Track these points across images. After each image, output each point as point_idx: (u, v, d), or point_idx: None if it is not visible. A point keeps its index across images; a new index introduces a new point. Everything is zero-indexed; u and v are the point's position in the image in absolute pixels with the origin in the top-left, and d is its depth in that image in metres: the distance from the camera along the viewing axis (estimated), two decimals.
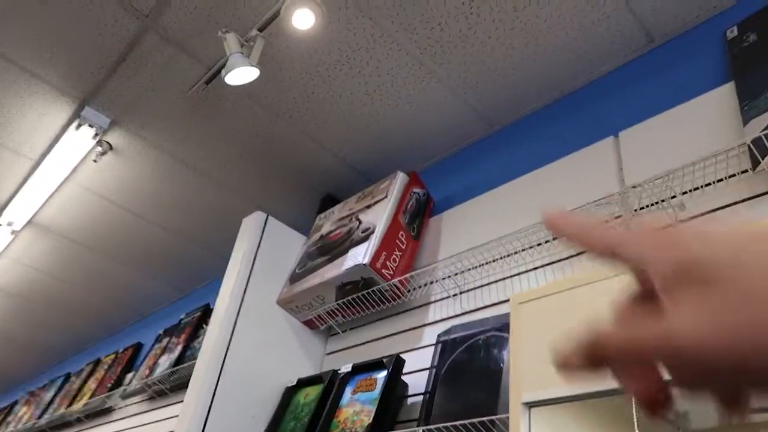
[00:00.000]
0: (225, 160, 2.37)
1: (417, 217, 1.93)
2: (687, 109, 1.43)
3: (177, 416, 2.61)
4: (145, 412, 3.00)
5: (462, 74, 1.84)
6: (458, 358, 1.44)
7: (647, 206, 1.35)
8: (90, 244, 3.12)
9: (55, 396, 4.14)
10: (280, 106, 2.06)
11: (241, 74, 1.68)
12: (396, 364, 1.58)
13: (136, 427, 3.00)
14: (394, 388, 1.56)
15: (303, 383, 1.85)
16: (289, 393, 1.85)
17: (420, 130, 2.08)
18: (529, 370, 0.85)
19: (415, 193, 1.95)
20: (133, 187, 2.61)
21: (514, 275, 1.59)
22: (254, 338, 1.89)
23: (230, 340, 1.83)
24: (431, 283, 1.78)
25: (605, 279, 0.84)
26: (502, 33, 1.69)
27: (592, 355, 0.30)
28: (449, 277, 1.70)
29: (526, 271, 1.57)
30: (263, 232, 2.06)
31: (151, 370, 2.96)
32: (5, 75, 2.10)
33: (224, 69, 1.67)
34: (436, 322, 1.72)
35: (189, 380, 2.59)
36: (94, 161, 2.33)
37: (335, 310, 1.91)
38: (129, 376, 3.40)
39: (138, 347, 3.59)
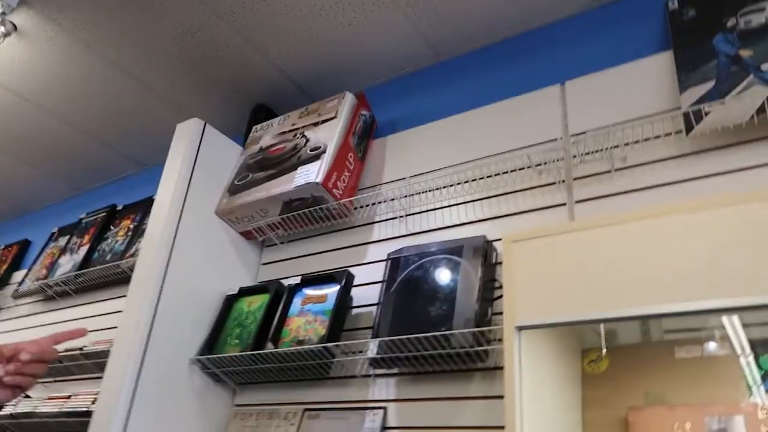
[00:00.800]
0: (149, 57, 2.21)
1: (364, 138, 2.00)
2: (630, 69, 1.60)
3: (85, 318, 2.57)
4: (40, 312, 2.88)
5: (421, 3, 1.87)
6: (411, 275, 1.58)
7: (589, 153, 1.54)
8: None
9: None
10: (225, 6, 1.95)
11: None
12: (348, 279, 1.69)
13: (30, 328, 2.89)
14: (346, 301, 1.68)
15: (244, 292, 1.92)
16: (230, 301, 1.91)
17: (367, 50, 2.09)
18: (521, 300, 1.01)
19: (362, 114, 2.00)
20: (36, 75, 2.36)
21: (454, 205, 1.74)
22: (194, 248, 1.90)
23: (171, 249, 1.82)
24: (377, 203, 1.88)
25: (589, 228, 1.00)
26: None
27: None
28: (396, 199, 1.81)
29: (464, 203, 1.73)
30: (201, 140, 2.01)
31: (49, 270, 2.82)
32: None
33: None
34: (381, 240, 1.84)
35: (98, 283, 2.56)
36: None
37: (277, 224, 1.96)
38: (18, 274, 3.21)
39: (25, 244, 3.35)
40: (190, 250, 1.87)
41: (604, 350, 1.07)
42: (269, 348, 1.65)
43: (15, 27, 2.10)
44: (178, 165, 1.94)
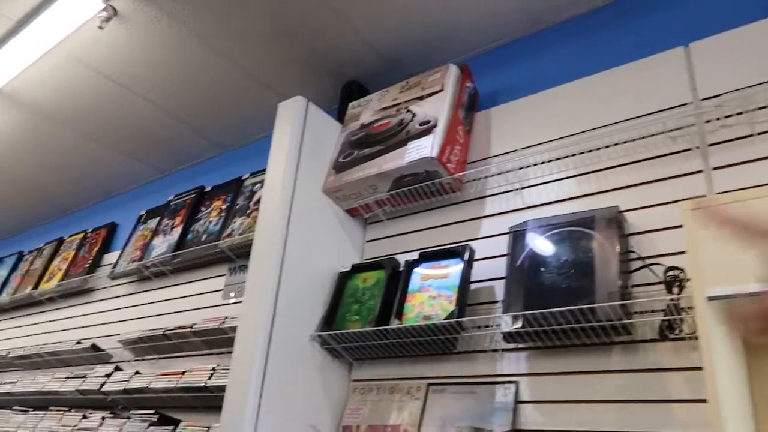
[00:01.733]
0: (243, 36, 2.22)
1: (469, 111, 1.96)
2: (759, 29, 1.52)
3: (183, 297, 2.65)
4: (135, 293, 2.98)
5: None
6: (539, 249, 1.56)
7: (725, 117, 1.47)
8: (62, 118, 2.87)
9: (10, 274, 3.96)
10: None
11: None
12: (471, 254, 1.68)
13: (126, 307, 2.99)
14: (469, 276, 1.68)
15: (357, 269, 1.93)
16: (344, 278, 1.93)
17: (464, 22, 2.04)
18: (710, 271, 0.98)
19: (467, 86, 1.96)
20: (132, 59, 2.39)
21: (573, 176, 1.70)
22: (307, 226, 1.91)
23: (287, 228, 1.84)
24: (488, 177, 1.85)
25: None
26: None
27: None
28: (511, 171, 1.78)
29: (582, 174, 1.69)
30: (306, 118, 2.01)
31: (144, 251, 2.90)
32: None
33: None
34: (495, 215, 1.82)
35: (193, 263, 2.62)
36: (100, 28, 2.09)
37: (384, 200, 1.95)
38: (108, 256, 3.32)
39: (113, 227, 3.46)
40: (303, 229, 1.89)
41: None
42: (395, 323, 1.66)
43: (115, 11, 2.12)
44: (286, 145, 1.94)
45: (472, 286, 1.74)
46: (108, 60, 2.39)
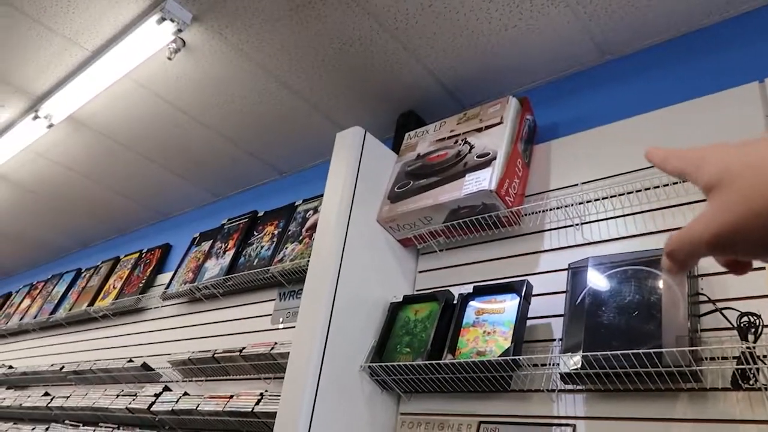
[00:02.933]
0: (305, 67, 2.27)
1: (528, 144, 1.94)
2: None
3: (233, 320, 2.67)
4: (186, 314, 3.03)
5: (594, 0, 1.79)
6: (600, 287, 1.51)
7: None
8: (126, 141, 2.99)
9: (67, 291, 4.10)
10: (389, 15, 1.96)
11: None
12: (528, 289, 1.64)
13: (176, 328, 3.04)
14: (526, 312, 1.63)
15: (409, 300, 1.91)
16: (395, 309, 1.91)
17: (528, 54, 2.03)
18: None
19: (527, 119, 1.95)
20: (196, 88, 2.48)
21: (637, 213, 1.65)
22: (361, 256, 1.91)
23: (342, 257, 1.84)
24: (547, 211, 1.82)
25: None
26: None
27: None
28: (571, 206, 1.74)
29: (651, 210, 1.63)
30: (363, 148, 2.02)
31: (196, 273, 2.96)
32: None
33: None
34: (553, 250, 1.78)
35: (244, 286, 2.65)
36: (169, 58, 2.18)
37: (439, 231, 1.94)
38: (161, 276, 3.40)
39: (167, 248, 3.55)
40: (357, 258, 1.89)
41: None
42: (448, 358, 1.63)
43: (184, 43, 2.21)
44: (343, 173, 1.96)
45: (529, 323, 1.69)
46: (173, 88, 2.49)
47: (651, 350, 1.30)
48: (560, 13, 1.85)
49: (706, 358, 1.34)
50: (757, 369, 1.23)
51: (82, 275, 4.12)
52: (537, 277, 1.76)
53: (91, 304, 3.62)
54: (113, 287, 3.61)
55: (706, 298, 1.41)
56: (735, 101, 1.60)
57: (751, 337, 1.25)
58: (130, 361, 2.92)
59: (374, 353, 1.82)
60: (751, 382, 1.25)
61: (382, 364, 1.76)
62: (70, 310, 3.79)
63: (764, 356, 1.24)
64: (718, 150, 0.41)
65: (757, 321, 1.25)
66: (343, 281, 1.82)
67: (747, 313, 1.28)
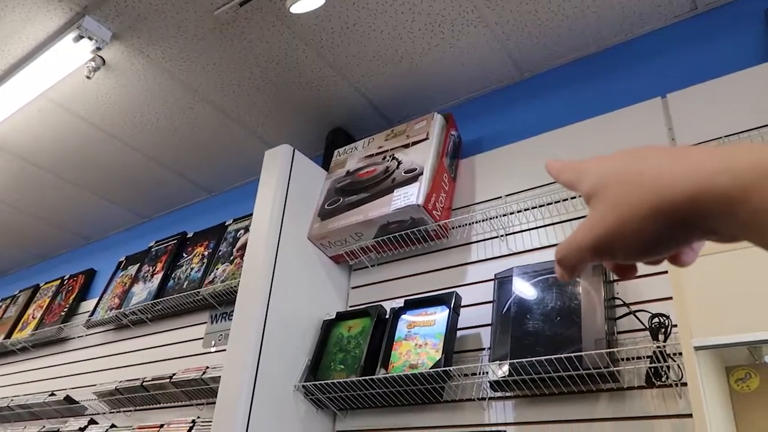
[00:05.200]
0: (231, 85, 2.25)
1: (454, 158, 2.00)
2: (736, 80, 1.59)
3: (162, 345, 2.58)
4: (113, 342, 2.90)
5: (511, 21, 1.88)
6: (525, 295, 1.56)
7: None
8: (44, 163, 2.85)
9: None
10: (314, 34, 1.97)
11: (307, 3, 1.59)
12: (457, 301, 1.68)
13: (102, 357, 2.91)
14: (455, 323, 1.67)
15: (342, 316, 1.91)
16: (328, 326, 1.90)
17: (451, 72, 2.10)
18: (696, 319, 0.99)
19: (452, 134, 2.00)
20: (117, 108, 2.40)
21: (557, 223, 1.73)
22: (292, 274, 1.90)
23: (273, 276, 1.83)
24: (473, 223, 1.87)
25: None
26: None
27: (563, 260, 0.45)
28: (495, 218, 1.80)
29: (567, 221, 1.71)
30: (292, 166, 2.02)
31: (122, 299, 2.84)
32: None
33: None
34: (480, 261, 1.83)
35: (174, 310, 2.57)
36: (88, 77, 2.10)
37: (370, 247, 1.96)
38: (85, 304, 3.24)
39: (91, 274, 3.40)
40: (289, 277, 1.88)
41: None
42: (381, 373, 1.64)
43: (104, 61, 2.14)
44: (272, 192, 1.95)
45: (459, 333, 1.73)
46: (93, 107, 2.40)
47: (572, 354, 1.36)
48: (480, 33, 1.93)
49: (623, 359, 1.41)
50: (668, 366, 1.31)
51: None
52: (466, 288, 1.81)
53: (8, 336, 3.40)
54: (32, 317, 3.42)
55: (621, 302, 1.49)
56: (640, 115, 1.71)
57: (661, 337, 1.33)
58: (52, 394, 2.76)
59: (308, 372, 1.81)
60: (663, 379, 1.33)
61: (317, 382, 1.75)
62: None
63: (674, 354, 1.32)
64: (597, 161, 0.43)
65: (666, 321, 1.34)
66: (274, 300, 1.80)
67: (657, 314, 1.36)
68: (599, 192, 0.41)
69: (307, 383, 1.77)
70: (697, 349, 0.95)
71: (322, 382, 1.74)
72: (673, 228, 0.37)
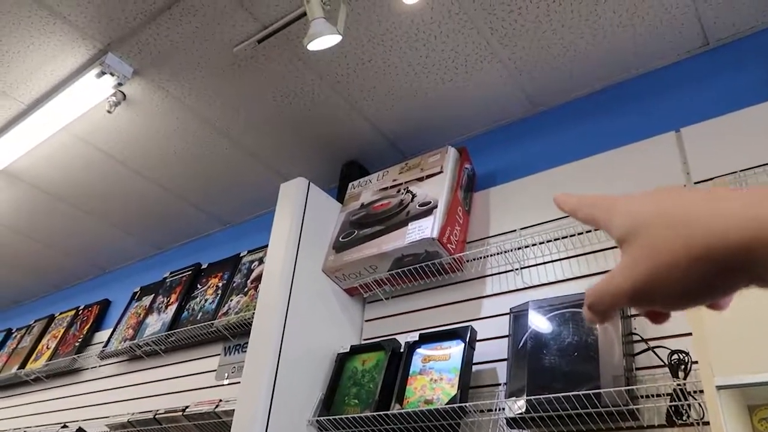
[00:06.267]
0: (248, 119, 2.29)
1: (468, 192, 2.01)
2: (747, 115, 1.59)
3: (176, 377, 2.58)
4: (126, 373, 2.90)
5: (523, 56, 1.90)
6: (541, 330, 1.55)
7: None
8: (64, 194, 2.90)
9: None
10: (329, 70, 2.01)
11: (324, 41, 1.63)
12: (472, 335, 1.67)
13: (115, 388, 2.90)
14: (471, 358, 1.65)
15: (356, 350, 1.90)
16: (342, 359, 1.89)
17: (465, 105, 2.12)
18: (717, 356, 0.97)
19: (466, 168, 2.02)
20: (138, 140, 2.45)
21: (573, 257, 1.72)
22: (307, 307, 1.90)
23: (287, 309, 1.83)
24: (488, 257, 1.87)
25: None
26: (576, 22, 1.77)
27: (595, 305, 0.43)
28: (510, 251, 1.79)
29: (582, 254, 1.71)
30: (307, 199, 2.04)
31: (136, 330, 2.85)
32: (19, 9, 1.88)
33: (307, 36, 1.61)
34: (495, 294, 1.82)
35: (188, 342, 2.57)
36: (109, 111, 2.15)
37: (384, 279, 1.95)
38: (100, 334, 3.25)
39: (106, 304, 3.41)
40: (303, 309, 1.87)
41: None
42: (396, 409, 1.62)
43: (125, 96, 2.19)
44: (288, 224, 1.96)
45: (475, 368, 1.71)
46: (113, 141, 2.45)
47: (590, 391, 1.34)
48: (493, 68, 1.95)
49: (642, 396, 1.38)
50: (689, 405, 1.29)
51: (13, 336, 3.89)
52: (481, 322, 1.80)
53: (22, 366, 3.41)
54: (47, 347, 3.43)
55: (639, 338, 1.47)
56: (655, 149, 1.71)
57: (681, 374, 1.31)
58: (65, 426, 2.76)
59: (322, 406, 1.79)
60: (684, 418, 1.30)
61: (330, 417, 1.73)
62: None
63: (695, 392, 1.30)
64: (628, 201, 0.41)
65: (686, 358, 1.31)
66: (289, 333, 1.80)
67: (676, 351, 1.34)
68: (637, 235, 0.39)
69: (321, 417, 1.75)
70: (720, 388, 0.94)
71: (335, 417, 1.72)
72: (720, 275, 0.35)
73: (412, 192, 1.98)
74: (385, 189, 2.09)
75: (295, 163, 2.52)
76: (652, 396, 1.38)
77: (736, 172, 1.52)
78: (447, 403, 1.55)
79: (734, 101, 1.66)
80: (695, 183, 1.59)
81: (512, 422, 1.48)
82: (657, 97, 1.86)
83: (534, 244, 1.78)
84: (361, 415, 1.67)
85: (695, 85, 1.79)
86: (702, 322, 1.01)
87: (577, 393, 1.34)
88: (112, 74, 2.03)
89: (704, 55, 1.82)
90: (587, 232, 1.70)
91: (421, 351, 1.75)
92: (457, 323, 1.82)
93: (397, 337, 1.89)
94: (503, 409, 1.52)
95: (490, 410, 1.59)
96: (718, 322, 1.00)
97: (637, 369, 1.44)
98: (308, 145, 2.41)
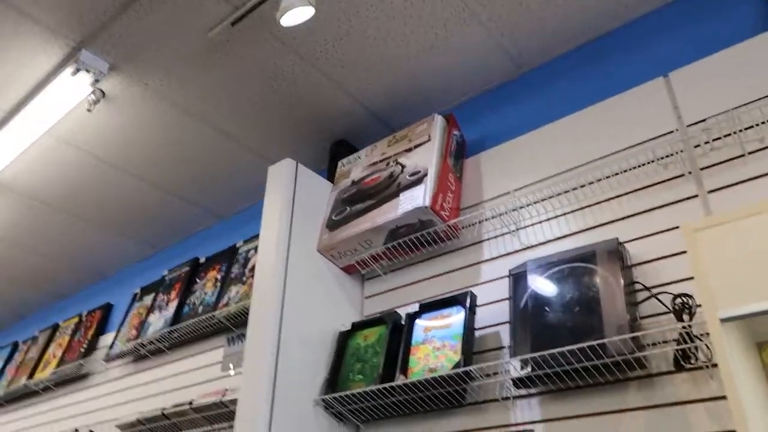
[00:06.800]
0: (231, 106, 2.26)
1: (459, 158, 1.97)
2: (736, 52, 1.56)
3: (182, 373, 2.56)
4: (133, 373, 2.89)
5: (504, 16, 1.86)
6: (541, 289, 1.52)
7: (713, 141, 1.48)
8: (55, 202, 2.87)
9: (4, 366, 3.85)
10: (308, 49, 1.98)
11: (297, 14, 1.59)
12: (472, 300, 1.64)
13: (124, 390, 2.89)
14: (473, 323, 1.63)
15: (358, 326, 1.88)
16: (344, 337, 1.87)
17: (449, 72, 2.09)
18: (718, 290, 0.95)
19: (454, 135, 1.98)
20: (120, 139, 2.42)
21: (569, 212, 1.69)
22: (304, 288, 1.88)
23: (284, 292, 1.80)
24: (484, 221, 1.84)
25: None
26: None
27: None
28: (505, 213, 1.76)
29: (578, 209, 1.68)
30: (296, 180, 2.01)
31: (139, 330, 2.83)
32: None
33: (279, 9, 1.58)
34: (494, 258, 1.79)
35: (192, 336, 2.55)
36: (89, 110, 2.12)
37: (381, 254, 1.93)
38: (104, 338, 3.24)
39: (108, 308, 3.40)
40: (300, 292, 1.85)
41: None
42: (401, 380, 1.60)
43: (103, 94, 2.16)
44: (278, 207, 1.93)
45: (477, 333, 1.69)
46: (96, 140, 2.42)
47: (594, 342, 1.31)
48: (474, 31, 1.91)
49: (648, 344, 1.36)
50: (696, 347, 1.26)
51: (20, 348, 3.88)
52: (481, 287, 1.77)
53: (31, 377, 3.40)
54: (53, 356, 3.42)
55: (642, 286, 1.44)
56: (645, 97, 1.68)
57: (686, 317, 1.28)
58: (76, 431, 2.75)
59: (327, 385, 1.78)
60: (692, 361, 1.28)
61: (336, 395, 1.72)
62: (8, 386, 3.55)
63: (701, 334, 1.27)
64: None
65: (690, 301, 1.29)
66: (287, 316, 1.78)
67: (680, 295, 1.31)
68: None
69: (327, 396, 1.73)
70: (724, 321, 0.91)
71: (341, 394, 1.70)
72: None
73: (401, 163, 1.94)
74: (375, 164, 2.06)
75: (283, 147, 2.48)
76: (659, 343, 1.36)
77: (728, 110, 1.48)
78: (451, 369, 1.52)
79: (721, 40, 1.62)
80: (687, 126, 1.56)
81: (519, 382, 1.46)
82: (643, 44, 1.82)
83: (528, 204, 1.76)
84: (367, 389, 1.65)
85: (681, 28, 1.75)
86: (702, 261, 0.99)
87: (581, 345, 1.32)
88: (87, 71, 2.00)
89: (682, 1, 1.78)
90: (581, 187, 1.67)
91: (422, 321, 1.72)
92: (457, 290, 1.80)
93: (399, 310, 1.87)
94: (509, 370, 1.49)
95: (496, 373, 1.58)
96: (718, 259, 0.97)
97: (642, 318, 1.41)
98: (295, 128, 2.37)
